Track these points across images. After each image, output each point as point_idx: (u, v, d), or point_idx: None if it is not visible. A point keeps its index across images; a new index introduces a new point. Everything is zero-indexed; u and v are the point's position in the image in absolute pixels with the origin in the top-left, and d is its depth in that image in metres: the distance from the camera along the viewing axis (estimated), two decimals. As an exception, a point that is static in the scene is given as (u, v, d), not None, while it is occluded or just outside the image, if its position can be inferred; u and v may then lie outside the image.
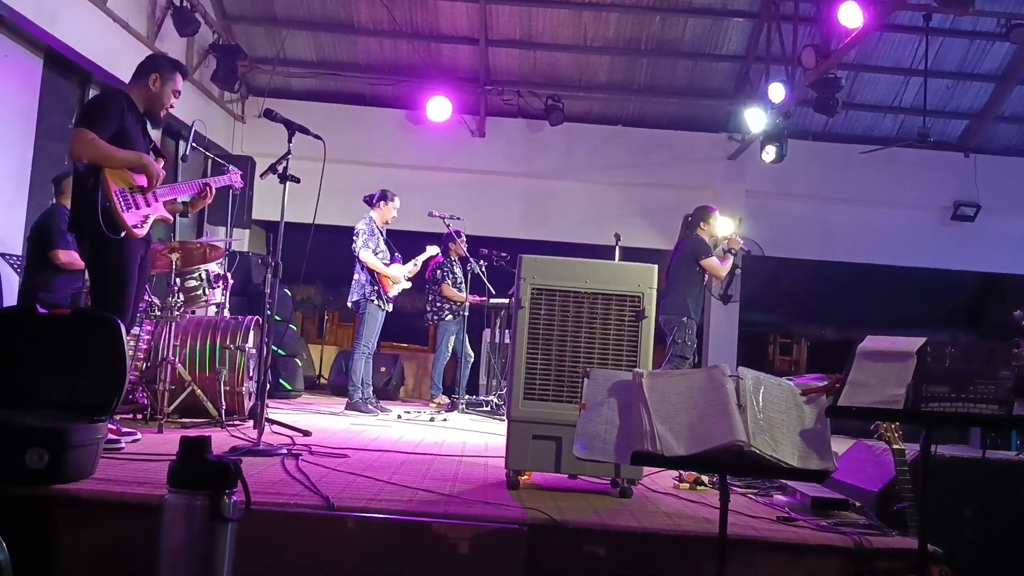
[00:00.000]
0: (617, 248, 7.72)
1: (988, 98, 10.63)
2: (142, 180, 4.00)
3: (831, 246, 10.79)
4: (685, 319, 6.54)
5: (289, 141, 4.46)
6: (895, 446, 3.47)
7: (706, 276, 6.77)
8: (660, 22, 10.13)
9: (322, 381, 10.32)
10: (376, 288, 7.07)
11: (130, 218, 3.86)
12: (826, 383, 2.94)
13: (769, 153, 9.41)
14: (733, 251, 6.80)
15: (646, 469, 4.03)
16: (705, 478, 4.15)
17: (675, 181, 10.88)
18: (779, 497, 3.88)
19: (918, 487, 3.23)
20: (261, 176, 4.60)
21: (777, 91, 8.80)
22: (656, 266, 3.91)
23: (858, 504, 3.64)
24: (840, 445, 4.96)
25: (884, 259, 10.91)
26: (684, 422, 2.73)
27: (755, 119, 9.48)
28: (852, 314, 11.18)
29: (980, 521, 3.38)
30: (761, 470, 2.63)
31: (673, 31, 10.22)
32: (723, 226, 6.86)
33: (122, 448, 3.97)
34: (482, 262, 8.30)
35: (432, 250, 7.89)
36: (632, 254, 8.03)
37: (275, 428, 5.02)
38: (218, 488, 2.43)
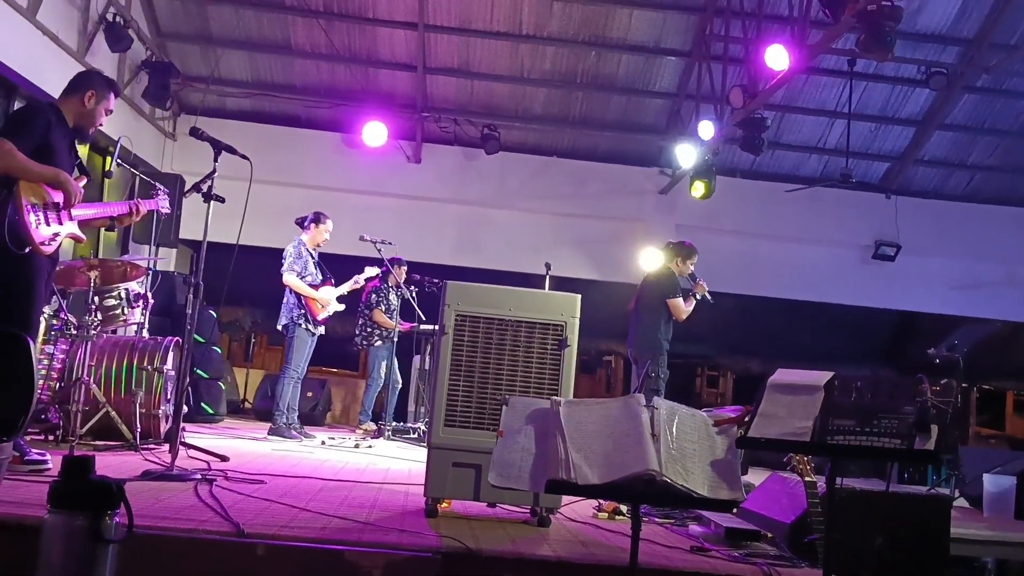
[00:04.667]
0: (547, 277, 7.79)
1: (909, 141, 11.08)
2: (58, 196, 3.89)
3: (758, 281, 11.07)
4: (658, 355, 6.61)
5: (215, 160, 4.40)
6: (807, 478, 3.55)
7: None
8: (595, 57, 10.33)
9: (246, 405, 10.10)
10: (304, 312, 6.98)
11: (38, 235, 3.75)
12: (738, 414, 3.01)
13: (698, 188, 9.63)
14: (696, 296, 6.84)
15: (566, 498, 4.04)
16: (624, 507, 4.18)
17: (608, 213, 11.05)
18: (695, 527, 3.94)
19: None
20: (185, 194, 4.53)
21: (706, 128, 9.04)
22: (579, 296, 3.96)
23: (770, 535, 3.71)
24: (758, 476, 5.06)
25: (808, 295, 11.23)
26: (599, 450, 2.75)
27: (685, 155, 9.71)
28: (777, 348, 11.46)
29: (886, 553, 3.47)
30: (672, 499, 2.67)
31: (608, 66, 10.43)
32: (691, 266, 6.92)
33: (49, 468, 3.88)
34: (413, 288, 8.28)
35: (371, 271, 7.84)
36: (564, 283, 8.10)
37: (192, 453, 4.90)
38: (99, 509, 2.37)
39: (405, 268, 8.42)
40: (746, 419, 2.98)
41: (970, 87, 10.36)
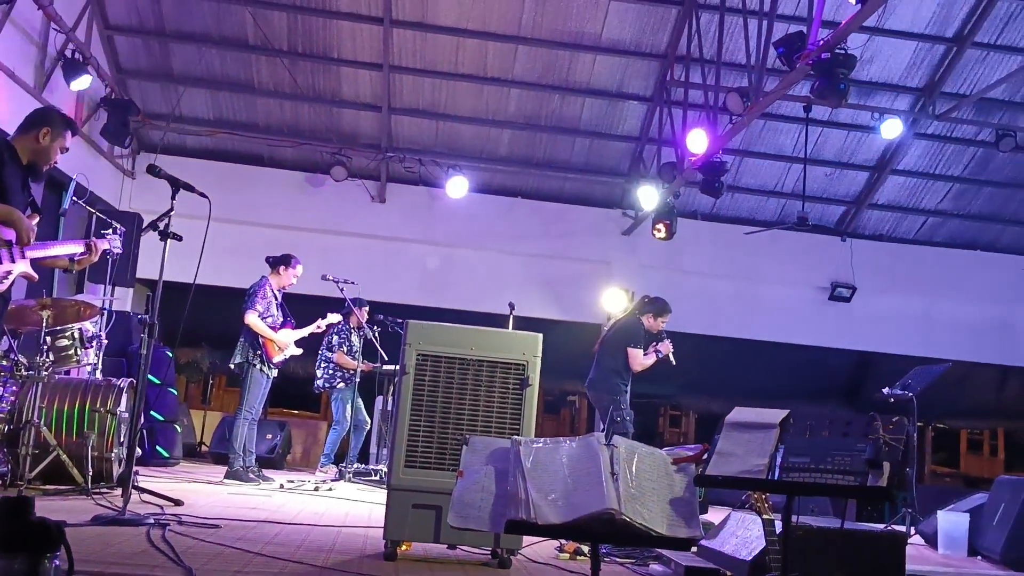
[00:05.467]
0: (511, 317, 7.81)
1: (863, 186, 11.38)
2: (9, 235, 3.85)
3: (719, 321, 11.20)
4: (618, 397, 6.56)
5: (172, 198, 4.39)
6: (764, 516, 3.58)
7: None
8: (559, 100, 10.51)
9: (203, 449, 9.92)
10: (260, 352, 6.91)
11: (-12, 273, 3.70)
12: (696, 453, 3.04)
13: (660, 230, 9.78)
14: (660, 354, 6.75)
15: (527, 539, 4.04)
16: (585, 548, 4.18)
17: (572, 253, 11.16)
18: (655, 567, 3.94)
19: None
20: (142, 232, 4.51)
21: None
22: (540, 335, 3.99)
23: (729, 574, 3.73)
24: (718, 515, 5.10)
25: (768, 335, 11.39)
26: (559, 490, 2.77)
27: (647, 197, 9.87)
28: (738, 387, 11.57)
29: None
30: (632, 538, 2.68)
31: (571, 110, 10.61)
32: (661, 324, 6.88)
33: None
34: (376, 328, 8.25)
35: (333, 317, 7.81)
36: (529, 323, 8.11)
37: (145, 497, 4.81)
38: (39, 551, 2.32)
39: (367, 308, 8.40)
40: (704, 457, 3.02)
41: (922, 134, 10.70)
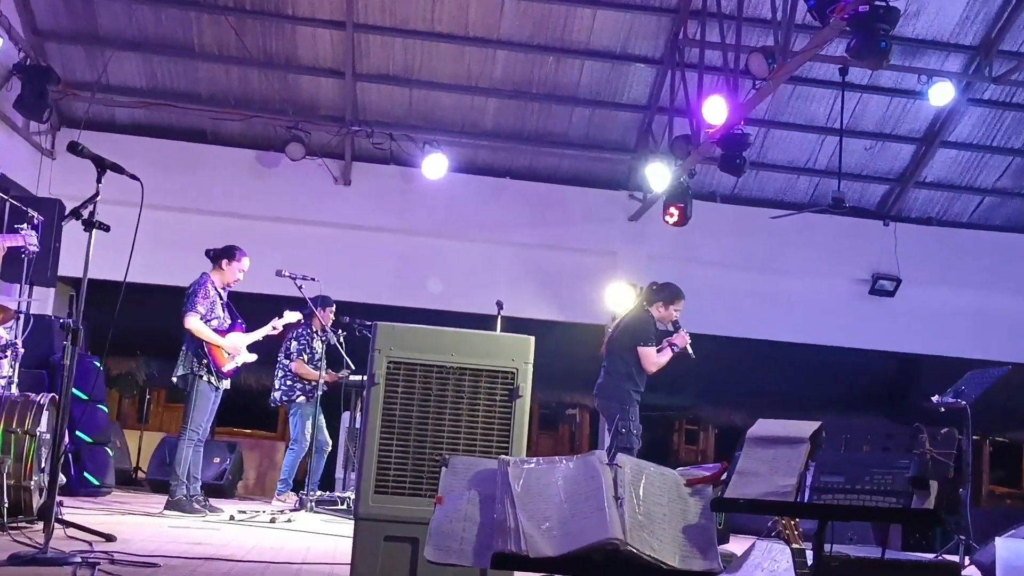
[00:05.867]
0: (499, 318, 7.83)
1: (908, 161, 11.43)
2: None
3: (741, 321, 11.26)
4: (627, 406, 6.57)
5: (98, 181, 4.37)
6: (794, 545, 3.60)
7: None
8: (554, 64, 10.52)
9: (140, 475, 9.91)
10: (206, 362, 6.90)
11: None
12: (714, 473, 3.06)
13: (672, 215, 9.80)
14: (676, 348, 6.76)
15: (517, 574, 4.05)
16: (587, 586, 4.20)
17: (570, 243, 11.18)
18: (669, 606, 3.96)
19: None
20: (63, 222, 4.49)
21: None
22: (532, 338, 4.00)
23: (755, 613, 3.75)
24: (740, 545, 5.12)
25: (798, 336, 11.45)
26: (554, 517, 2.78)
27: (657, 176, 9.89)
28: (764, 397, 11.63)
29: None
30: (638, 571, 2.69)
31: (568, 75, 10.62)
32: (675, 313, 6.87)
33: None
34: (341, 333, 8.25)
35: (292, 316, 7.78)
36: (520, 325, 8.11)
37: (71, 532, 4.80)
38: None
39: (332, 309, 8.39)
40: (723, 478, 3.04)
41: (977, 100, 10.74)
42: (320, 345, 8.28)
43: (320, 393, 8.07)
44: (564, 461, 3.02)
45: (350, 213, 10.87)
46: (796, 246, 11.26)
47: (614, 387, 6.72)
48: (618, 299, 10.39)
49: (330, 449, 8.53)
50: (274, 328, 7.54)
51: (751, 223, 11.27)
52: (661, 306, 6.86)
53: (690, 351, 6.77)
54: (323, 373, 7.99)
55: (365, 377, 3.97)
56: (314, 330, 8.40)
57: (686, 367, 6.94)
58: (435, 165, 10.55)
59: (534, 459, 3.06)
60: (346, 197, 10.96)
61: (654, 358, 6.66)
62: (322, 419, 8.35)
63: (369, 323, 8.03)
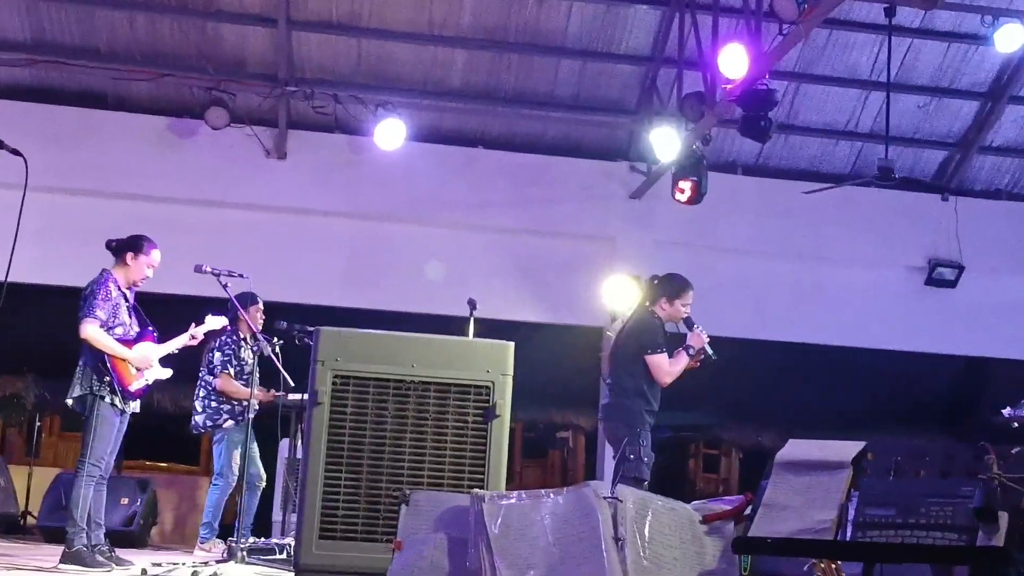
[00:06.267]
0: (472, 320, 7.81)
1: (971, 121, 11.48)
2: None
3: (769, 320, 11.30)
4: (638, 428, 6.61)
5: (-30, 158, 4.34)
6: (836, 594, 3.63)
7: None
8: (535, 5, 10.50)
9: (29, 521, 9.85)
10: (108, 379, 6.86)
11: None
12: (736, 507, 3.08)
13: (683, 191, 9.80)
14: (692, 351, 6.80)
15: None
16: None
17: (558, 227, 11.18)
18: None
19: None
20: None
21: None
22: (511, 345, 4.01)
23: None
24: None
25: (837, 338, 11.46)
26: (540, 563, 2.80)
27: (665, 144, 9.88)
28: (797, 412, 11.63)
29: None
30: (644, 630, 2.71)
31: (553, 19, 10.61)
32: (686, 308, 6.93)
33: None
34: (277, 341, 8.21)
35: (216, 321, 7.73)
36: (500, 328, 8.10)
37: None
38: None
39: (260, 308, 8.35)
40: (747, 512, 3.05)
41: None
42: (251, 356, 8.23)
43: (252, 416, 8.03)
44: (552, 495, 3.03)
45: (286, 193, 10.81)
46: (834, 227, 11.30)
47: (622, 407, 6.76)
48: (618, 295, 10.41)
49: (264, 485, 8.49)
50: (192, 337, 7.49)
51: (779, 200, 11.30)
52: (665, 303, 6.90)
53: (709, 351, 6.83)
54: (255, 390, 7.96)
55: (306, 396, 3.96)
56: (242, 337, 8.37)
57: (703, 377, 6.97)
58: (390, 133, 10.50)
59: (515, 493, 3.07)
60: (281, 174, 10.90)
61: (667, 367, 6.69)
62: (255, 448, 8.31)
63: (311, 328, 8.06)
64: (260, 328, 8.26)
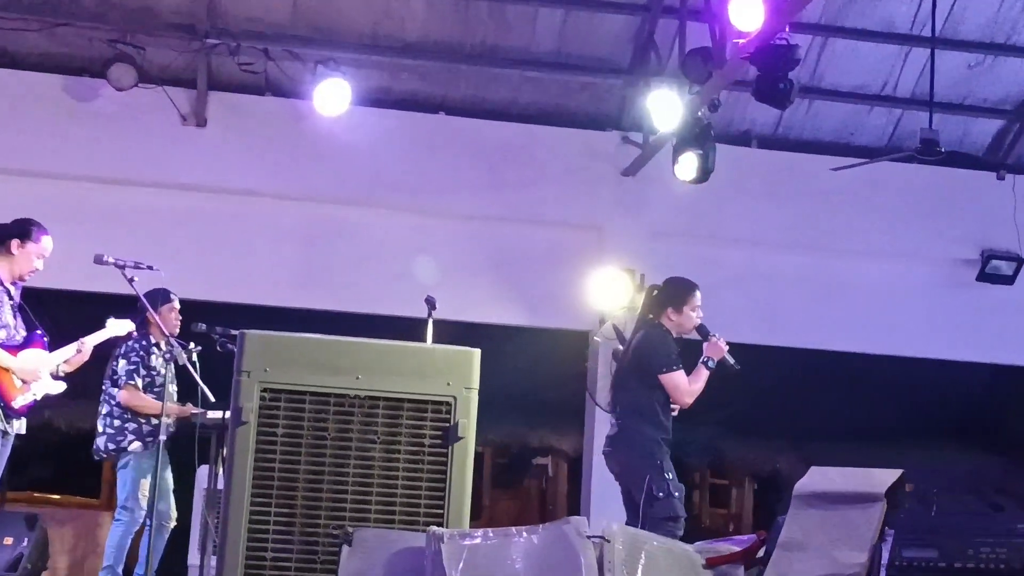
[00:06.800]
0: (430, 322, 7.81)
1: (1032, 84, 11.57)
2: None
3: (788, 324, 11.34)
4: (660, 460, 6.78)
5: None
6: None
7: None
8: (508, -56, 10.52)
9: None
10: (-12, 395, 6.85)
11: None
12: (746, 547, 3.08)
13: (687, 167, 9.81)
14: (711, 363, 7.01)
15: None
16: None
17: (535, 211, 11.17)
18: None
19: None
20: None
21: (697, 65, 9.06)
22: (477, 352, 4.00)
23: None
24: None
25: (868, 346, 11.53)
26: (511, 616, 2.80)
27: (664, 110, 9.88)
28: (822, 433, 11.70)
29: None
30: None
31: (530, -41, 10.63)
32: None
33: None
34: (195, 347, 8.20)
35: (117, 327, 7.73)
36: (465, 333, 8.12)
37: None
38: None
39: (174, 306, 8.33)
40: (761, 553, 3.06)
41: None
42: (163, 364, 8.19)
43: (165, 437, 7.99)
44: (526, 534, 3.03)
45: (206, 169, 10.78)
46: (867, 212, 11.36)
47: (637, 436, 6.90)
48: (608, 293, 10.44)
49: (174, 524, 8.46)
50: (79, 351, 7.44)
51: (802, 178, 11.36)
52: (673, 312, 7.10)
53: (731, 361, 7.07)
54: (168, 405, 7.94)
55: (229, 413, 3.95)
56: (153, 343, 8.33)
57: (707, 391, 7.04)
58: (333, 96, 10.46)
59: (481, 531, 3.07)
60: (201, 144, 10.86)
61: (686, 385, 6.92)
62: (168, 477, 8.27)
63: (235, 332, 8.03)
64: (176, 332, 8.23)
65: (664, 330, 7.06)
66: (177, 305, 8.43)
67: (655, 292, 7.27)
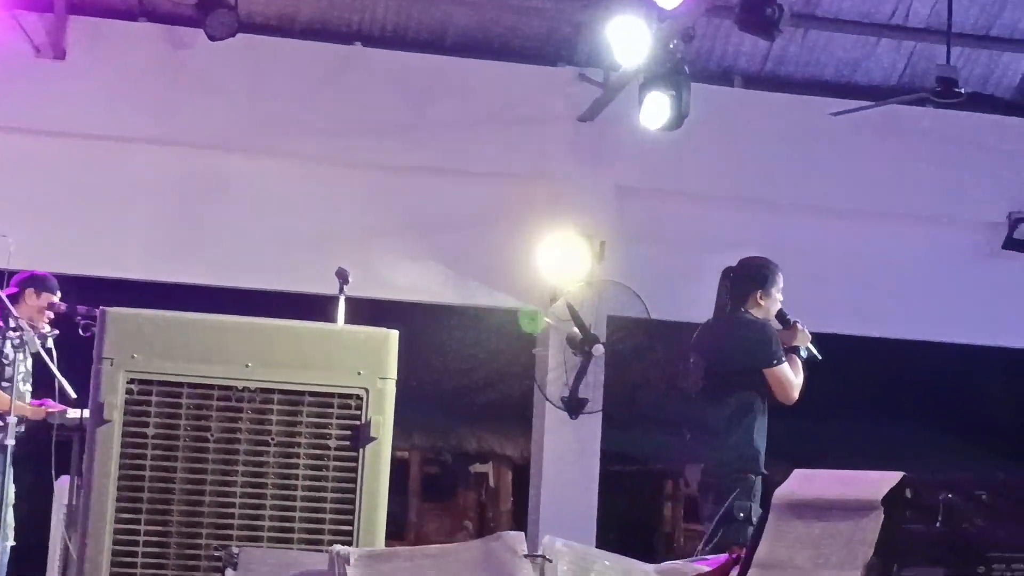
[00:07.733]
0: (342, 299, 7.81)
1: (1066, 13, 11.70)
2: None
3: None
4: (752, 476, 7.05)
5: None
6: None
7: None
8: None
9: None
10: None
11: None
12: (717, 567, 3.13)
13: (655, 110, 9.85)
14: (802, 352, 7.29)
15: None
16: None
17: (473, 162, 11.21)
18: None
19: None
20: None
21: None
22: (395, 334, 4.02)
23: None
24: None
25: (872, 327, 11.70)
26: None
27: (629, 41, 9.91)
28: (817, 431, 11.80)
29: None
30: None
31: None
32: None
33: None
34: (50, 332, 8.17)
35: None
36: (388, 311, 8.14)
37: None
38: None
39: (55, 297, 8.32)
40: (733, 575, 3.10)
41: None
42: (13, 350, 8.16)
43: (13, 442, 7.97)
44: (453, 553, 3.05)
45: (66, 109, 10.73)
46: (872, 164, 11.46)
47: (737, 447, 7.12)
48: (561, 263, 10.46)
49: (13, 544, 8.45)
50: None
51: (795, 124, 11.44)
52: (760, 296, 7.31)
53: (814, 351, 7.40)
54: (20, 401, 7.92)
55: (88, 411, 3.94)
56: (10, 327, 8.28)
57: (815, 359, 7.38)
58: (219, 22, 10.42)
59: (397, 551, 3.09)
60: (59, 80, 10.80)
61: (793, 378, 7.17)
62: (11, 489, 8.23)
63: (96, 311, 8.00)
64: (39, 329, 8.18)
65: (756, 319, 7.26)
66: (56, 295, 8.37)
67: (731, 276, 7.43)
